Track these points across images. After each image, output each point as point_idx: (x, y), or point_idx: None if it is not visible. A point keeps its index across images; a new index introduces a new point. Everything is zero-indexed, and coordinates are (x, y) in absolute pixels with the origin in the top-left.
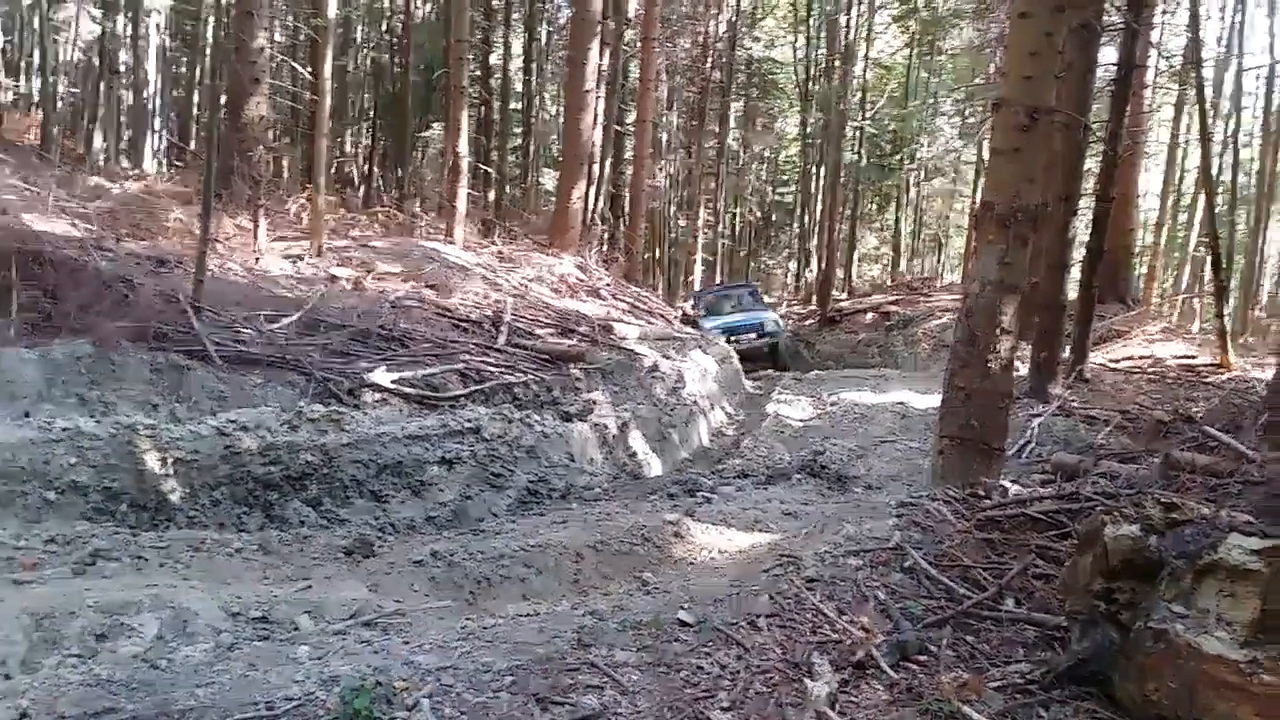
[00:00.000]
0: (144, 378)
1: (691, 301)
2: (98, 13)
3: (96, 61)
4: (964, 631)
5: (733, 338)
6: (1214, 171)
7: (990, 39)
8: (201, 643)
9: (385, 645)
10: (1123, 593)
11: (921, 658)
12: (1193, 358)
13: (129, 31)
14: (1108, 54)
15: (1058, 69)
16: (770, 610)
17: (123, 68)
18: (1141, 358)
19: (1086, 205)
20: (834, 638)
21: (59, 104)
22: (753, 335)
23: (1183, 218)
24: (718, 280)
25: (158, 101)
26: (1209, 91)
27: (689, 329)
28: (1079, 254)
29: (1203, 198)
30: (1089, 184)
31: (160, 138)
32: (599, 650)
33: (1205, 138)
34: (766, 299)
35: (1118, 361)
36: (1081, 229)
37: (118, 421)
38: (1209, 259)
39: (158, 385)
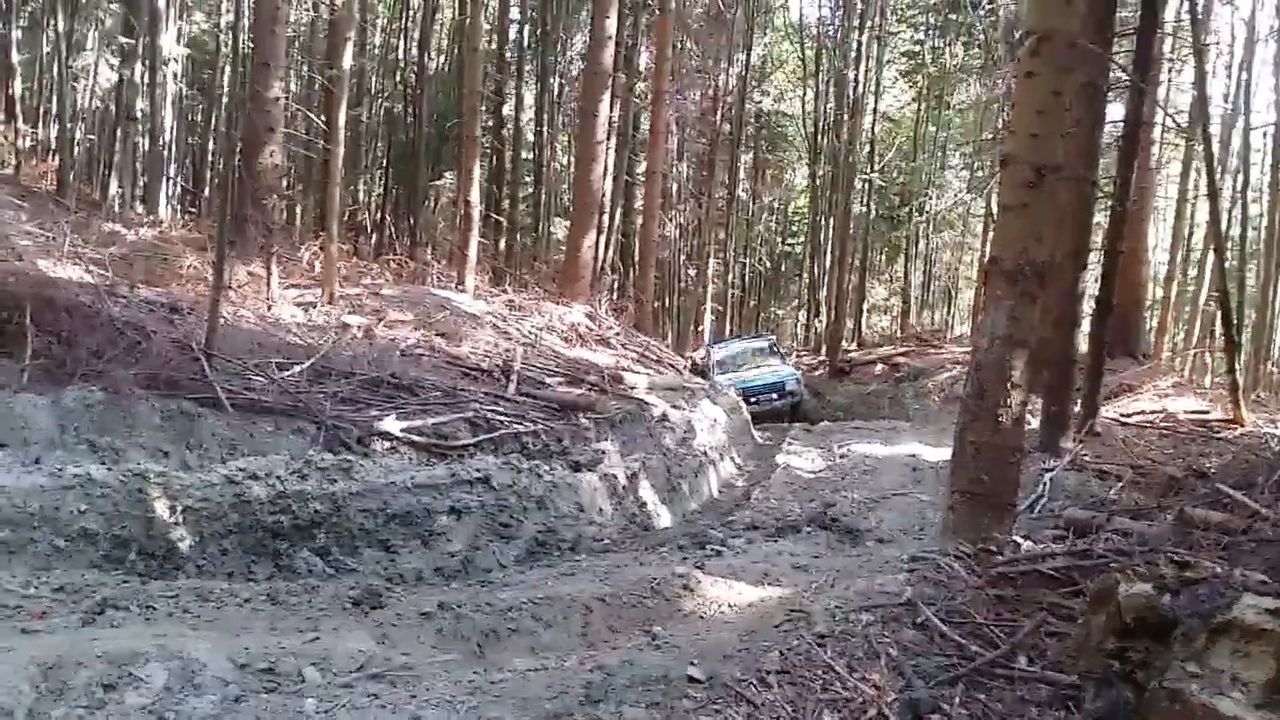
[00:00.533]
0: (155, 425)
1: (702, 352)
2: (116, 61)
3: (114, 108)
4: (977, 690)
5: (752, 399)
6: (1223, 226)
7: (997, 94)
8: (209, 694)
9: (392, 699)
10: (1136, 652)
11: (934, 717)
12: (1205, 412)
13: (146, 79)
14: (1116, 110)
15: (1066, 126)
16: (780, 667)
17: (139, 115)
18: (1153, 412)
19: (1096, 260)
20: (845, 695)
21: (76, 150)
22: (774, 396)
23: (1193, 272)
24: (728, 330)
25: (173, 149)
26: (1216, 148)
27: (698, 379)
28: (1089, 307)
29: (1212, 253)
30: (1098, 238)
31: (175, 184)
32: (608, 706)
33: (1213, 193)
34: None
35: (1129, 416)
36: (1091, 283)
37: (128, 469)
38: (1219, 314)
39: (169, 432)
